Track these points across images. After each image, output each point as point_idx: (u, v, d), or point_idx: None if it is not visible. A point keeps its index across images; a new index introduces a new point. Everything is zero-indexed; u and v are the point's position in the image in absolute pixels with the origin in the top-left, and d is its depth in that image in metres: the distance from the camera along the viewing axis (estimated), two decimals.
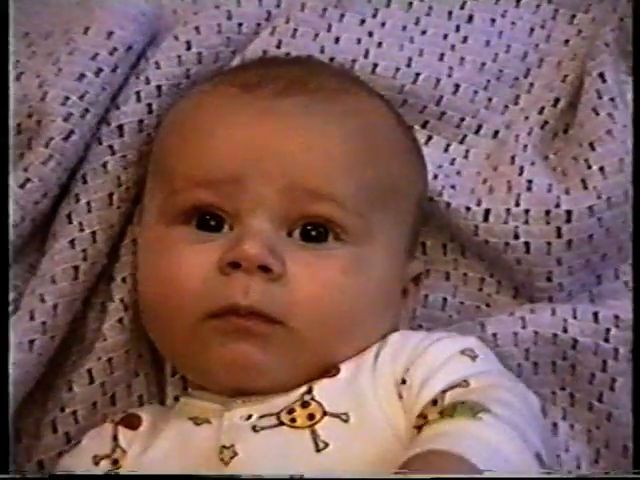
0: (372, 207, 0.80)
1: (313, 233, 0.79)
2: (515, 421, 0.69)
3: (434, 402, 0.72)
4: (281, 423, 0.75)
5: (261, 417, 0.76)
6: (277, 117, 0.80)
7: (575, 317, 0.88)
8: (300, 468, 0.72)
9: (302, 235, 0.79)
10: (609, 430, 0.88)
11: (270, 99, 0.81)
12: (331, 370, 0.78)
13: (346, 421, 0.75)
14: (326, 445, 0.74)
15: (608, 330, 0.88)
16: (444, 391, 0.72)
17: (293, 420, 0.75)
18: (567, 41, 0.98)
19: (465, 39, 0.96)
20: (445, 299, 0.92)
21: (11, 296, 0.86)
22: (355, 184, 0.80)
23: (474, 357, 0.77)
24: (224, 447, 0.75)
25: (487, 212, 0.90)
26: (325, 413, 0.75)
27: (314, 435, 0.74)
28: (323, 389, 0.77)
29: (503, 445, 0.66)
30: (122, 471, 0.79)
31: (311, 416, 0.75)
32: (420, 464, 0.64)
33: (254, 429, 0.76)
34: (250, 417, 0.77)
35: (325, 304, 0.77)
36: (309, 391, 0.77)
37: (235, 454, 0.75)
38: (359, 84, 0.89)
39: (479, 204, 0.90)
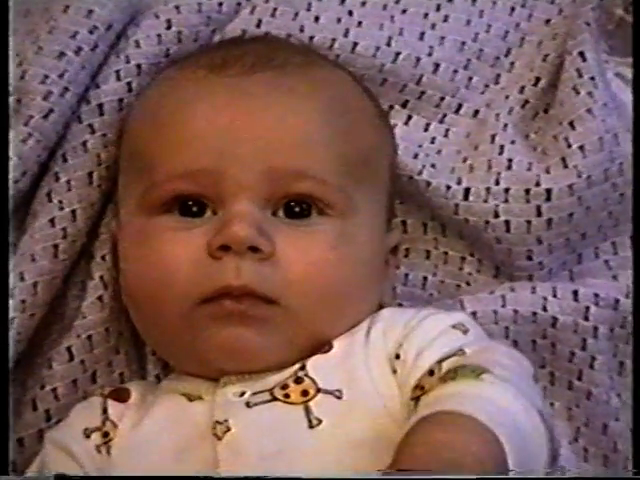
0: (351, 179, 0.80)
1: (297, 209, 0.79)
2: (516, 382, 0.69)
3: (431, 372, 0.72)
4: (275, 398, 0.76)
5: (255, 394, 0.76)
6: (248, 96, 0.80)
7: (555, 295, 0.88)
8: (293, 444, 0.73)
9: (286, 212, 0.79)
10: (589, 408, 0.89)
11: (238, 77, 0.81)
12: (324, 346, 0.78)
13: (339, 397, 0.75)
14: (319, 421, 0.74)
15: (588, 308, 0.88)
16: (440, 361, 0.72)
17: (287, 396, 0.76)
18: (548, 20, 0.97)
19: (446, 18, 0.96)
20: (425, 278, 0.92)
21: None
22: (333, 159, 0.80)
23: (465, 331, 0.77)
24: (217, 422, 0.75)
25: (467, 191, 0.89)
26: (319, 390, 0.75)
27: (307, 411, 0.74)
28: (316, 365, 0.77)
29: (509, 404, 0.67)
30: (114, 444, 0.79)
31: (305, 392, 0.75)
32: (430, 425, 0.65)
33: (247, 405, 0.76)
34: (244, 394, 0.76)
35: (316, 280, 0.77)
36: (302, 367, 0.77)
37: (228, 429, 0.74)
38: (322, 57, 0.89)
39: (459, 183, 0.90)
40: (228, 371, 0.78)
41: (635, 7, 0.95)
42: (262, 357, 0.77)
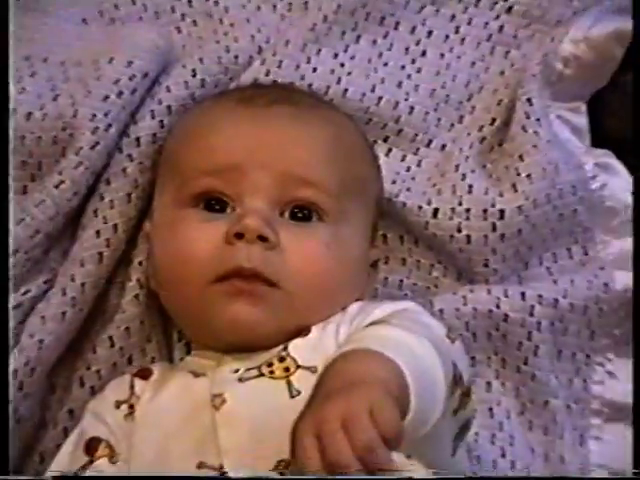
0: (346, 195, 0.81)
1: (300, 215, 0.80)
2: (409, 326, 0.71)
3: None
4: (262, 374, 0.76)
5: (246, 370, 0.76)
6: (269, 120, 0.82)
7: (506, 296, 0.89)
8: (277, 411, 0.72)
9: (291, 215, 0.80)
10: (533, 388, 0.89)
11: (263, 107, 0.82)
12: (304, 331, 0.78)
13: (315, 372, 0.74)
14: (299, 392, 0.74)
15: (533, 307, 0.89)
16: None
17: (272, 372, 0.76)
18: (502, 72, 0.98)
19: (419, 70, 0.97)
20: (402, 280, 0.93)
21: (47, 276, 0.87)
22: (334, 175, 0.81)
23: (404, 310, 0.78)
24: (215, 395, 0.75)
25: (436, 210, 0.90)
26: (298, 366, 0.76)
27: (289, 384, 0.74)
28: (297, 347, 0.77)
29: (400, 336, 0.69)
30: (137, 413, 0.79)
31: (287, 369, 0.75)
32: (336, 361, 0.66)
33: (240, 380, 0.76)
34: (237, 370, 0.77)
35: (311, 271, 0.78)
36: (285, 348, 0.77)
37: (224, 401, 0.75)
38: (329, 103, 0.91)
39: (429, 204, 0.91)
40: (231, 341, 0.78)
41: (635, 9, 0.94)
42: (259, 331, 0.77)
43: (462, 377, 0.73)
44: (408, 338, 0.70)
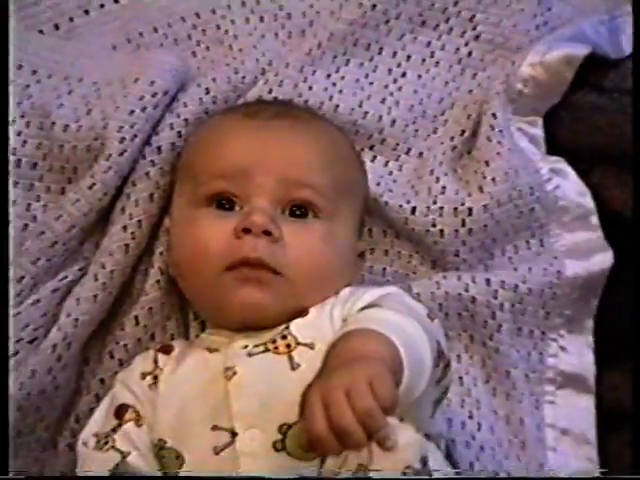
0: (338, 195, 0.84)
1: (298, 212, 0.82)
2: (400, 308, 0.75)
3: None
4: (267, 350, 0.78)
5: (254, 346, 0.79)
6: (272, 131, 0.84)
7: (474, 282, 0.92)
8: (280, 381, 0.76)
9: (290, 213, 0.82)
10: (496, 360, 0.93)
11: (266, 120, 0.85)
12: (303, 312, 0.81)
13: (313, 348, 0.77)
14: (299, 365, 0.77)
15: (496, 291, 0.92)
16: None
17: (276, 348, 0.78)
18: (471, 91, 1.00)
19: (400, 88, 0.99)
20: (385, 268, 0.95)
21: (81, 264, 0.90)
22: (327, 179, 0.83)
23: (390, 294, 0.80)
24: (227, 368, 0.78)
25: (414, 208, 0.93)
26: (298, 343, 0.78)
27: (290, 358, 0.77)
28: (297, 326, 0.79)
29: (394, 318, 0.72)
30: (160, 384, 0.81)
31: (288, 345, 0.78)
32: (341, 340, 0.69)
33: (249, 355, 0.79)
34: (247, 347, 0.79)
35: (309, 260, 0.80)
36: (287, 327, 0.79)
37: (235, 373, 0.77)
38: (322, 117, 0.94)
39: (408, 203, 0.94)
40: (240, 322, 0.80)
41: (635, 7, 0.97)
42: (264, 313, 0.79)
43: (444, 352, 0.76)
44: (400, 319, 0.72)
